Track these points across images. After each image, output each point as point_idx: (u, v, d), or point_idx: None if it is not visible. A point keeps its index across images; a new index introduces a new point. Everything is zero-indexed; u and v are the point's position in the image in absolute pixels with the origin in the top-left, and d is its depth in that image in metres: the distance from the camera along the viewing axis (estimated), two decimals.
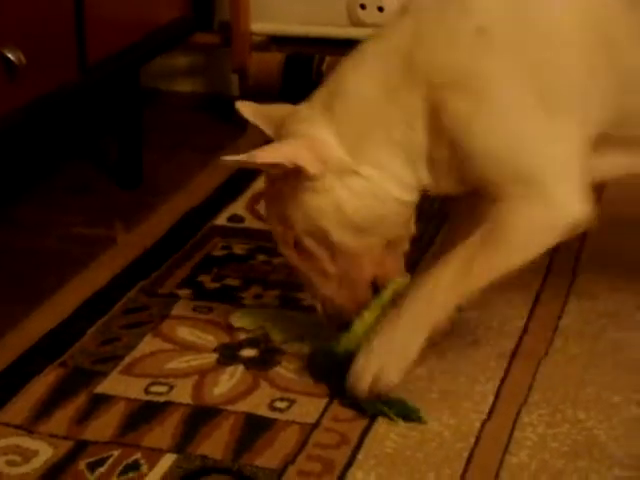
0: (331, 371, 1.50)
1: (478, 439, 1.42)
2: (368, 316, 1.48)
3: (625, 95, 1.42)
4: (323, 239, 1.45)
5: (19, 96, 1.68)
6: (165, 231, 1.96)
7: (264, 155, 1.41)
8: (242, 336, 1.64)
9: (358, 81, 1.44)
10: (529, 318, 1.69)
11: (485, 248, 1.40)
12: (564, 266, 1.83)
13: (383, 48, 1.44)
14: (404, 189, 1.45)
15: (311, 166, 1.41)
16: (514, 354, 1.60)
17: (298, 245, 1.47)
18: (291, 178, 1.43)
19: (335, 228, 1.44)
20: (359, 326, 1.48)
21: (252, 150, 1.42)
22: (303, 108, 1.48)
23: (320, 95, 1.48)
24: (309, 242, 1.46)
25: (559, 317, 1.69)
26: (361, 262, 1.47)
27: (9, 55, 1.62)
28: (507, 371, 1.56)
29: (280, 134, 1.48)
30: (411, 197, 1.46)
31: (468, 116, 1.38)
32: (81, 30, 1.84)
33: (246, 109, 1.53)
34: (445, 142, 1.41)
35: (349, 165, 1.43)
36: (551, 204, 1.39)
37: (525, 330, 1.66)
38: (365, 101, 1.43)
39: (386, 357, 1.44)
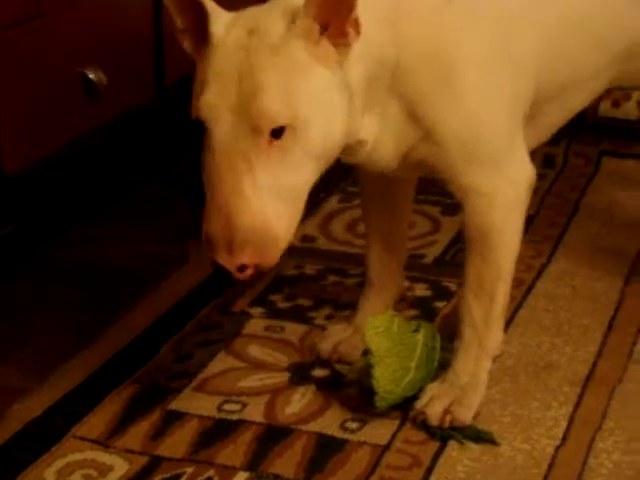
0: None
1: (551, 465, 1.41)
2: (385, 370, 1.47)
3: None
4: (315, 124, 1.27)
5: (100, 115, 1.71)
6: None
7: None
8: (313, 356, 1.65)
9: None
10: (603, 344, 1.67)
11: (483, 262, 1.42)
12: (638, 291, 1.81)
13: None
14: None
15: None
16: (588, 380, 1.59)
17: (282, 132, 1.25)
18: (320, 47, 1.26)
19: (333, 119, 1.29)
20: (386, 383, 1.46)
21: None
22: None
23: None
24: (301, 128, 1.26)
25: (633, 343, 1.67)
26: (309, 174, 1.30)
27: (91, 75, 1.65)
28: (581, 397, 1.55)
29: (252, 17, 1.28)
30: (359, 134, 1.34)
31: (435, 94, 1.34)
32: (160, 50, 1.87)
33: None
34: (402, 106, 1.35)
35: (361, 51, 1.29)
36: (508, 178, 1.40)
37: (599, 356, 1.64)
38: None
39: (458, 392, 1.47)
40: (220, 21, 1.30)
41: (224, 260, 1.26)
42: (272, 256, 1.28)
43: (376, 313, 1.58)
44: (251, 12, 1.32)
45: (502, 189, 1.40)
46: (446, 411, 1.46)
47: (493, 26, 1.38)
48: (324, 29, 1.27)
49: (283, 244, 1.28)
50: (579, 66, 1.49)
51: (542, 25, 1.42)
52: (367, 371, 1.48)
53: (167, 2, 1.33)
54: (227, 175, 1.25)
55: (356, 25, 1.27)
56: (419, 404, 1.48)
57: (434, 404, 1.47)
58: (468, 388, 1.48)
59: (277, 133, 1.25)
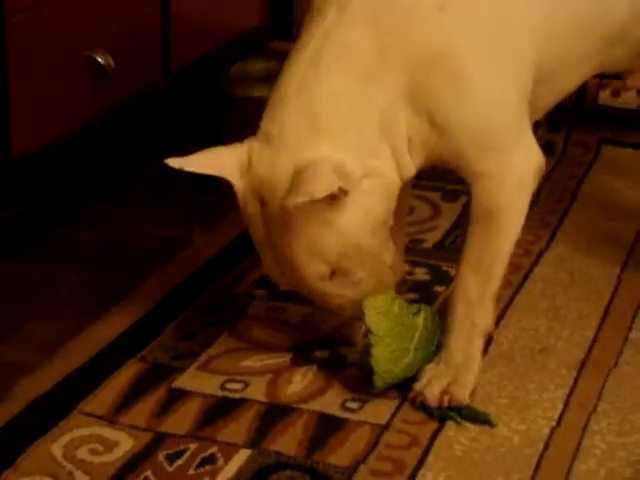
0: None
1: (547, 445, 1.44)
2: (384, 349, 1.50)
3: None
4: (355, 252, 1.44)
5: (107, 99, 1.73)
6: (241, 232, 2.01)
7: (320, 189, 1.36)
8: (315, 337, 1.68)
9: (331, 86, 1.41)
10: (599, 329, 1.70)
11: (485, 241, 1.48)
12: (634, 278, 1.84)
13: (337, 46, 1.41)
14: (399, 169, 1.46)
15: (347, 185, 1.39)
16: (584, 363, 1.62)
17: (335, 273, 1.45)
18: (318, 207, 1.39)
19: (367, 235, 1.44)
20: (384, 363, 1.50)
21: (300, 189, 1.36)
22: (276, 141, 1.43)
23: (294, 116, 1.42)
24: (346, 262, 1.45)
25: (629, 329, 1.70)
26: (382, 254, 1.48)
27: (99, 59, 1.68)
28: (576, 380, 1.58)
29: (258, 180, 1.43)
30: (408, 174, 1.47)
31: (447, 96, 1.41)
32: (166, 36, 1.90)
33: (191, 162, 1.46)
34: (423, 119, 1.42)
35: (360, 172, 1.41)
36: (516, 161, 1.46)
37: (595, 340, 1.67)
38: (346, 103, 1.41)
39: (454, 372, 1.51)
40: (238, 186, 1.47)
41: None
42: None
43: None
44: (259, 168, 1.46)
45: (511, 172, 1.46)
46: (444, 391, 1.49)
47: (488, 23, 1.42)
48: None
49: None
50: (569, 50, 1.54)
51: (535, 13, 1.47)
52: (366, 350, 1.51)
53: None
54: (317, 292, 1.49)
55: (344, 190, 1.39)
56: (418, 385, 1.51)
57: (432, 385, 1.50)
58: (462, 367, 1.51)
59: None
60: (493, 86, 1.42)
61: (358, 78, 1.41)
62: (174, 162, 1.45)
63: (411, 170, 1.47)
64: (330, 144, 1.41)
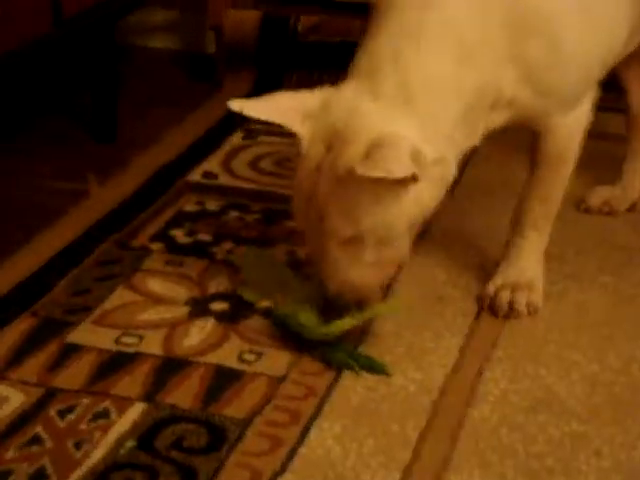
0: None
1: (442, 393, 1.46)
2: (349, 320, 1.49)
3: None
4: (384, 233, 1.43)
5: None
6: (138, 186, 1.98)
7: (397, 170, 1.35)
8: (213, 290, 1.66)
9: (431, 62, 1.41)
10: None
11: (557, 175, 1.62)
12: None
13: (439, 21, 1.41)
14: (468, 139, 1.48)
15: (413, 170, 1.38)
16: (480, 312, 1.63)
17: (351, 240, 1.42)
18: (381, 182, 1.36)
19: (405, 223, 1.43)
20: (341, 324, 1.49)
21: (379, 163, 1.35)
22: (364, 100, 1.40)
23: (387, 82, 1.40)
24: (369, 237, 1.42)
25: None
26: (403, 246, 1.46)
27: None
28: (472, 328, 1.59)
29: (332, 128, 1.40)
30: (472, 144, 1.51)
31: (544, 58, 1.47)
32: None
33: (250, 107, 1.42)
34: (520, 79, 1.47)
35: (432, 159, 1.40)
36: (584, 111, 1.60)
37: None
38: (444, 81, 1.42)
39: (527, 285, 1.64)
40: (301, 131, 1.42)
41: None
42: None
43: None
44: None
45: (580, 121, 1.60)
46: (511, 301, 1.62)
47: None
48: None
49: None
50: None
51: None
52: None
53: None
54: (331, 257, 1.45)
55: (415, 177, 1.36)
56: (489, 292, 1.63)
57: (503, 294, 1.62)
58: (535, 280, 1.64)
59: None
60: (585, 49, 1.51)
61: (458, 56, 1.42)
62: (235, 105, 1.41)
63: (476, 140, 1.50)
64: (416, 122, 1.39)
